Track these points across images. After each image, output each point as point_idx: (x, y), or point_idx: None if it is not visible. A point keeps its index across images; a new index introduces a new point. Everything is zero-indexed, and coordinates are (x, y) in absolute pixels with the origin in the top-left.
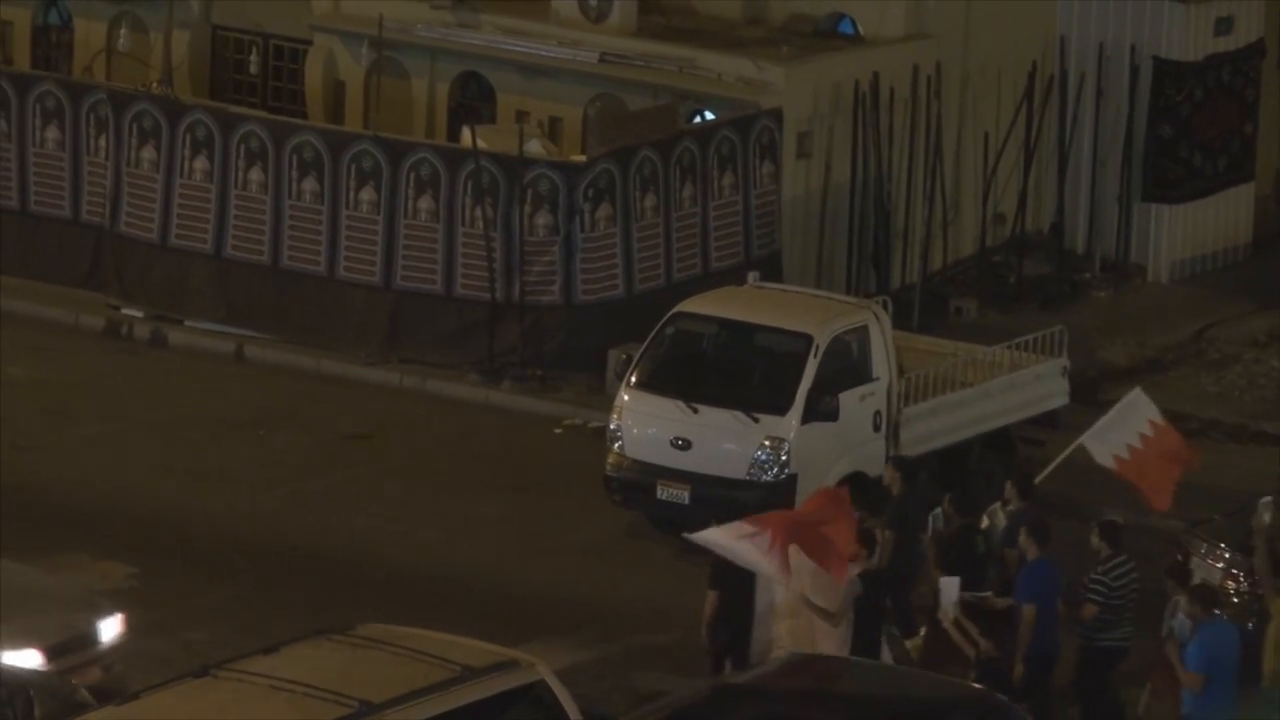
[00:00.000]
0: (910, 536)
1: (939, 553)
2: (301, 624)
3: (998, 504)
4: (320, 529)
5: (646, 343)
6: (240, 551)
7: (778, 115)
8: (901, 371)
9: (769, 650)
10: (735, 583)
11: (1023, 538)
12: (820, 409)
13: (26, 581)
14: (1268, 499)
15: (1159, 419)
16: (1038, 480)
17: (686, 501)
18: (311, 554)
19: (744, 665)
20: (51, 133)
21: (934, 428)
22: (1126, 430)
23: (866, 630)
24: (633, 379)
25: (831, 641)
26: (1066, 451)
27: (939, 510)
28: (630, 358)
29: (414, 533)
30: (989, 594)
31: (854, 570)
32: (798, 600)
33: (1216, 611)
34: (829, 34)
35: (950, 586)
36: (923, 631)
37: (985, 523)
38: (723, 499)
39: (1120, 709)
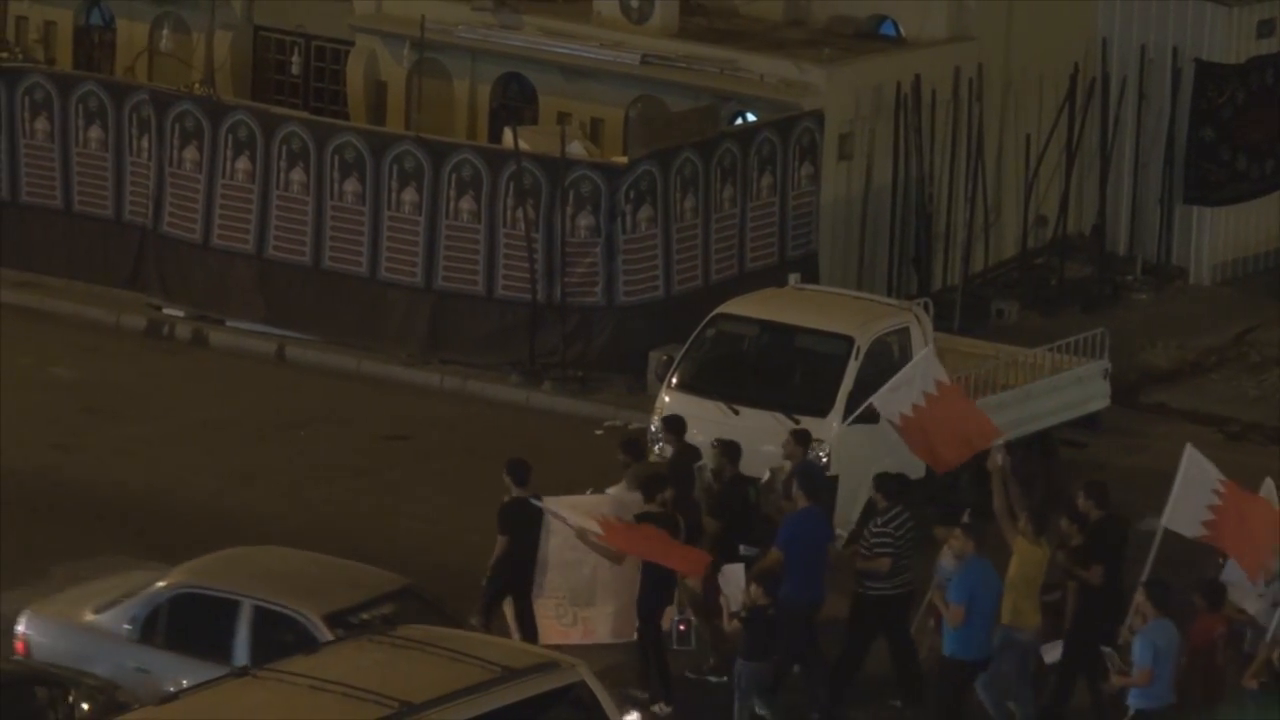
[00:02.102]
0: (685, 493)
1: (712, 503)
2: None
3: (784, 461)
4: (361, 530)
5: (687, 344)
6: None
7: (819, 117)
8: None
9: (541, 594)
10: (524, 531)
11: (795, 488)
12: (861, 411)
13: None
14: (1000, 443)
15: (945, 379)
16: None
17: None
18: (353, 554)
19: (527, 605)
20: (94, 133)
21: None
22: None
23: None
24: (674, 380)
25: (610, 594)
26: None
27: (703, 463)
28: (671, 359)
29: (456, 534)
30: (756, 549)
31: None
32: (576, 550)
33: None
34: (871, 36)
35: (735, 575)
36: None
37: (766, 476)
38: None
39: (912, 652)
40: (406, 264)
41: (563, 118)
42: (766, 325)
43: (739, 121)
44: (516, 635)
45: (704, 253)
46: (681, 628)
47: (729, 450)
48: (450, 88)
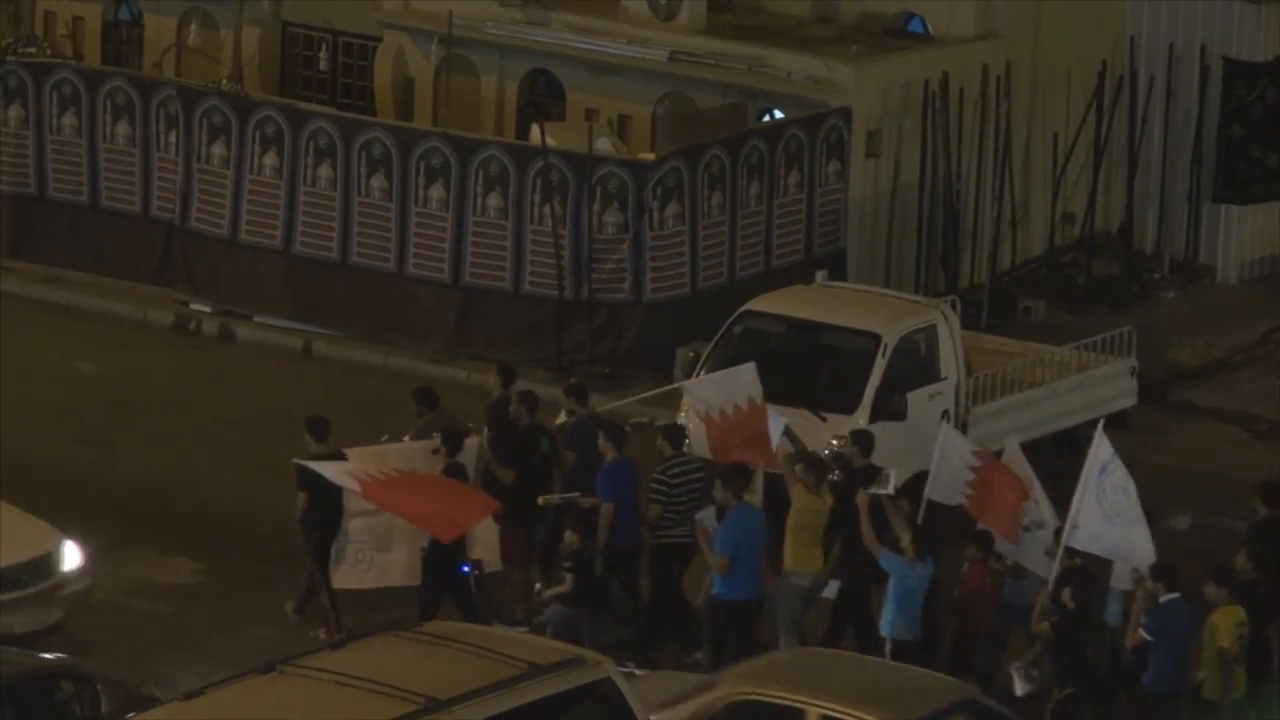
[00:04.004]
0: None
1: (506, 453)
2: (371, 619)
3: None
4: None
5: (714, 341)
6: None
7: (847, 114)
8: (970, 371)
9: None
10: (324, 483)
11: (602, 441)
12: (888, 408)
13: None
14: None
15: (759, 400)
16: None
17: None
18: None
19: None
20: (122, 128)
21: (1002, 427)
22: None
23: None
24: (701, 377)
25: (406, 539)
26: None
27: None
28: (698, 356)
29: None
30: (577, 494)
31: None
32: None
33: (745, 498)
34: (898, 33)
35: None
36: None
37: (561, 418)
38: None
39: (685, 601)
40: (434, 260)
41: (590, 114)
42: (793, 322)
43: (766, 118)
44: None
45: (731, 249)
46: (476, 574)
47: (526, 399)
48: (478, 84)
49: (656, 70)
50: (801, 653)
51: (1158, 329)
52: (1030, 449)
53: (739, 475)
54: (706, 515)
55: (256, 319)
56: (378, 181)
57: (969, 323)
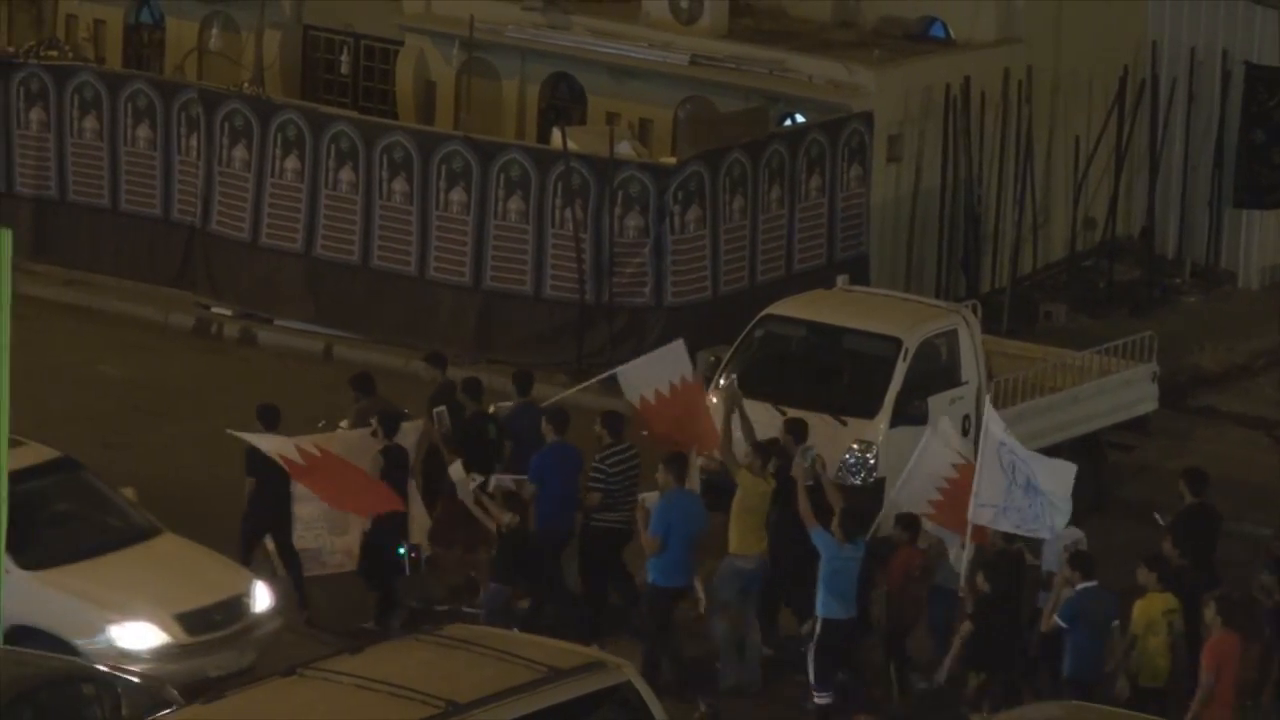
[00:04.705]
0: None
1: (456, 439)
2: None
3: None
4: None
5: (735, 345)
6: None
7: (868, 118)
8: (990, 376)
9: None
10: (272, 470)
11: (544, 424)
12: (909, 412)
13: None
14: (734, 377)
15: (690, 378)
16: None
17: None
18: None
19: (287, 540)
20: (143, 132)
21: (1023, 432)
22: (659, 376)
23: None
24: (722, 381)
25: (359, 524)
26: (593, 381)
27: (443, 409)
28: (719, 360)
29: None
30: (525, 479)
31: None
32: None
33: (685, 483)
34: (920, 37)
35: (456, 470)
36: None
37: (493, 408)
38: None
39: (630, 580)
40: (455, 264)
41: (611, 118)
42: (815, 326)
43: (788, 122)
44: (280, 569)
45: (752, 254)
46: (413, 556)
47: (469, 387)
48: (499, 88)
49: (678, 74)
50: None
51: (1179, 334)
52: (1051, 454)
53: (681, 460)
54: (649, 497)
55: (277, 322)
56: (399, 185)
57: (990, 327)
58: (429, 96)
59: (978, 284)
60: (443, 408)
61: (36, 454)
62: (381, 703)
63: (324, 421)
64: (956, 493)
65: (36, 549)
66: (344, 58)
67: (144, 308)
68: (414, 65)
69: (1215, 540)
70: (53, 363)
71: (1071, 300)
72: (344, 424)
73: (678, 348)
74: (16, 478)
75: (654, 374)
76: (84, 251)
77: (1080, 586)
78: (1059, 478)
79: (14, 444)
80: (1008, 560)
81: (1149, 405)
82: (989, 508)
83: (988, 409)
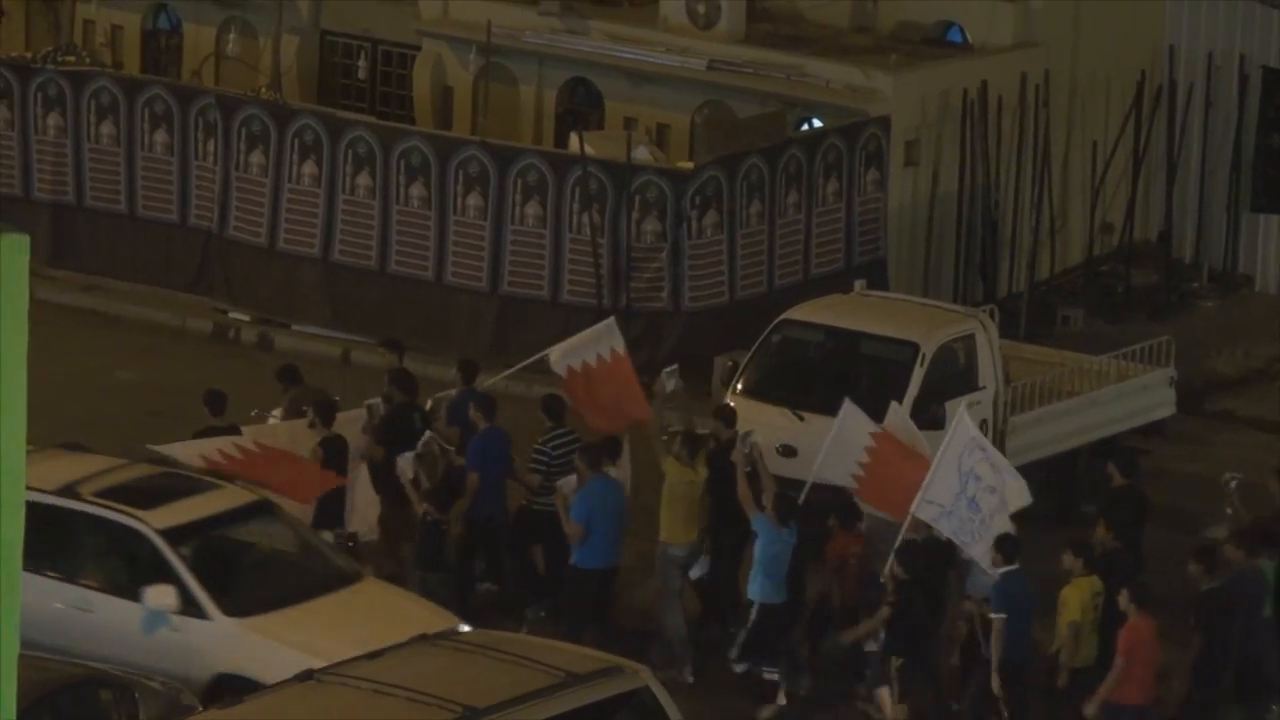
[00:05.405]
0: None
1: (381, 429)
2: None
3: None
4: None
5: (752, 350)
6: None
7: (885, 123)
8: (1008, 380)
9: None
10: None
11: (472, 411)
12: (926, 417)
13: None
14: (673, 368)
15: (620, 350)
16: None
17: None
18: None
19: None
20: (160, 137)
21: (1040, 437)
22: (589, 350)
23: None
24: (739, 386)
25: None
26: (528, 363)
27: (376, 400)
28: (736, 364)
29: None
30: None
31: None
32: None
33: (605, 470)
34: (937, 42)
35: (404, 460)
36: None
37: (429, 403)
38: (828, 506)
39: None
40: (472, 269)
41: (629, 123)
42: (832, 331)
43: (805, 127)
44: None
45: (769, 258)
46: (350, 544)
47: (399, 378)
48: (516, 92)
49: (695, 79)
50: None
51: (1196, 338)
52: (1069, 458)
53: (599, 446)
54: (566, 483)
55: (295, 327)
56: (416, 190)
57: (1007, 332)
58: (446, 101)
59: (995, 288)
60: (376, 399)
61: (234, 497)
62: (399, 708)
63: (256, 411)
64: (877, 464)
65: (241, 595)
66: (361, 63)
67: (161, 313)
68: (431, 70)
69: (1143, 523)
70: (70, 368)
71: (1089, 305)
72: (276, 414)
73: (609, 325)
74: (215, 522)
75: (583, 349)
76: (101, 257)
77: (1002, 570)
78: (1014, 497)
79: (211, 487)
80: (927, 547)
81: (1166, 410)
82: (935, 506)
83: (960, 413)
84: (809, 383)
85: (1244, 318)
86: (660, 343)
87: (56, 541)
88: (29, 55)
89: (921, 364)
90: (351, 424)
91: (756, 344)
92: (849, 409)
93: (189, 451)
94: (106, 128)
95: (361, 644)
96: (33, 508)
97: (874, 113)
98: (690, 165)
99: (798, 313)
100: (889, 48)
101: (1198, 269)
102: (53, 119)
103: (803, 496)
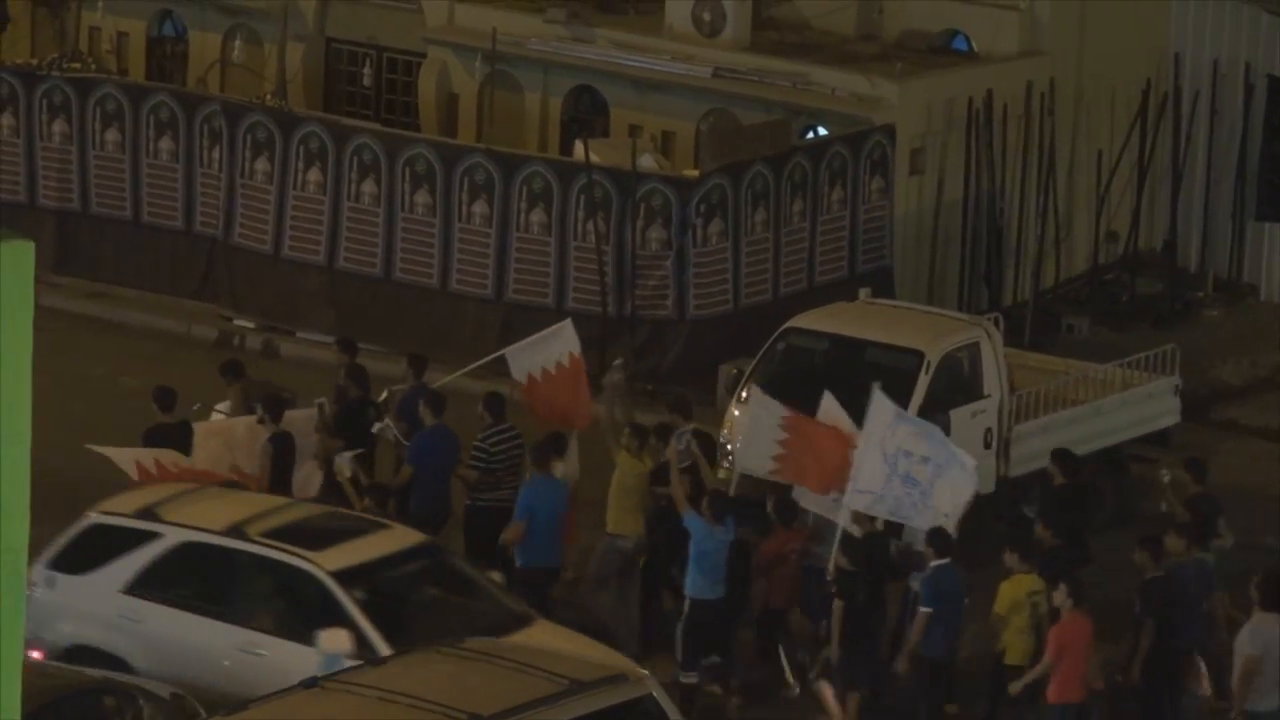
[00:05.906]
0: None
1: (337, 423)
2: None
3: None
4: None
5: (757, 358)
6: None
7: (891, 131)
8: (1013, 389)
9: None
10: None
11: (421, 408)
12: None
13: None
14: (619, 361)
15: (577, 354)
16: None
17: None
18: None
19: None
20: (165, 144)
21: (1045, 445)
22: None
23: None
24: (743, 394)
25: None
26: (483, 362)
27: (324, 400)
28: (741, 372)
29: None
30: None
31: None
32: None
33: (552, 472)
34: (943, 50)
35: (342, 459)
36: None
37: (384, 394)
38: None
39: (512, 561)
40: (477, 276)
41: (634, 130)
42: (836, 339)
43: (810, 135)
44: None
45: (774, 266)
46: None
47: (354, 373)
48: (522, 100)
49: (700, 87)
50: None
51: (1201, 347)
52: (1075, 466)
53: (546, 444)
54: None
55: (300, 335)
56: (421, 197)
57: (1012, 340)
58: (451, 109)
59: (1000, 297)
60: (324, 398)
61: (402, 538)
62: (403, 715)
63: (199, 405)
64: (794, 445)
65: (411, 639)
66: (366, 70)
67: (166, 320)
68: (436, 77)
69: (1087, 519)
70: (75, 375)
71: (1094, 313)
72: (221, 407)
73: (566, 327)
74: (385, 564)
75: (542, 353)
76: (106, 264)
77: (934, 564)
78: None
79: (378, 527)
80: (868, 539)
81: (1171, 419)
82: (866, 494)
83: (876, 394)
84: (814, 391)
85: (1249, 326)
86: (665, 351)
87: (223, 583)
88: (34, 62)
89: (926, 372)
90: (301, 422)
91: (761, 352)
92: (757, 396)
93: (125, 457)
94: (112, 134)
95: None
96: (200, 549)
97: (879, 121)
98: (695, 173)
99: (802, 321)
100: (894, 56)
101: (1203, 278)
102: (58, 126)
103: (733, 489)
